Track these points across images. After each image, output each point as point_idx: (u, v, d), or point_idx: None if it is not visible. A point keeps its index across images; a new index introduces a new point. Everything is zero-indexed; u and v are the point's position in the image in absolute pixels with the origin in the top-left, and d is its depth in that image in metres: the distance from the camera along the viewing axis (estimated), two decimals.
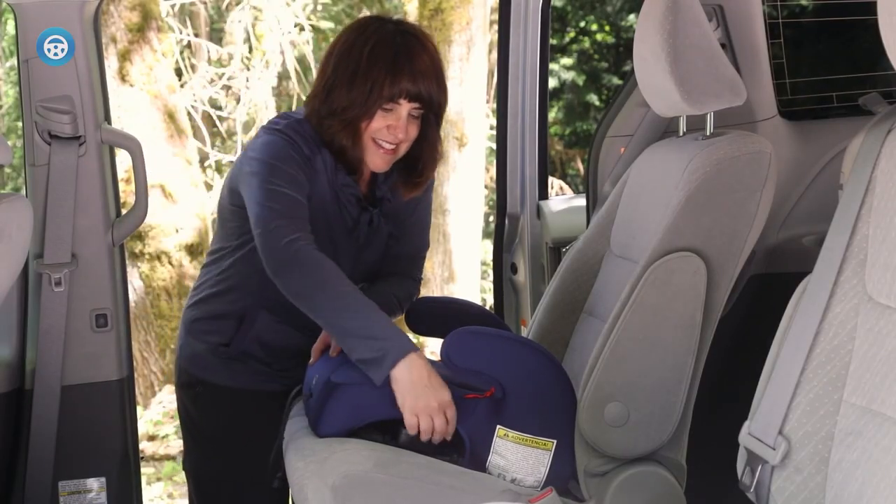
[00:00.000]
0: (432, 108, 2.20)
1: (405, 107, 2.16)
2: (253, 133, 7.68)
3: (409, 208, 2.41)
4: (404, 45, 2.15)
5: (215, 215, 2.56)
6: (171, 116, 6.37)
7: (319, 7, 8.33)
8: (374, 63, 2.13)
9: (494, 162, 3.40)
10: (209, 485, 2.53)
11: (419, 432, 1.99)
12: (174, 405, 6.58)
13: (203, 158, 7.28)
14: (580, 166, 8.76)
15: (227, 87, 7.71)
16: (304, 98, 2.66)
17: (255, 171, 2.21)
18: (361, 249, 2.36)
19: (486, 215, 7.78)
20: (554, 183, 7.74)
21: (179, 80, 7.15)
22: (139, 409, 4.87)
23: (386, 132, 2.18)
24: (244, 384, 2.42)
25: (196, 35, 7.89)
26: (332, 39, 2.45)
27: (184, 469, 2.62)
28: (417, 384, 1.98)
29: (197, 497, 2.57)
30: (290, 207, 2.16)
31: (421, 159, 2.28)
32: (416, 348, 2.02)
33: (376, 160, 2.22)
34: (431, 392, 1.98)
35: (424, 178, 2.32)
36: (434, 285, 6.83)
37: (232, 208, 2.34)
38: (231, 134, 7.84)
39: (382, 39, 2.15)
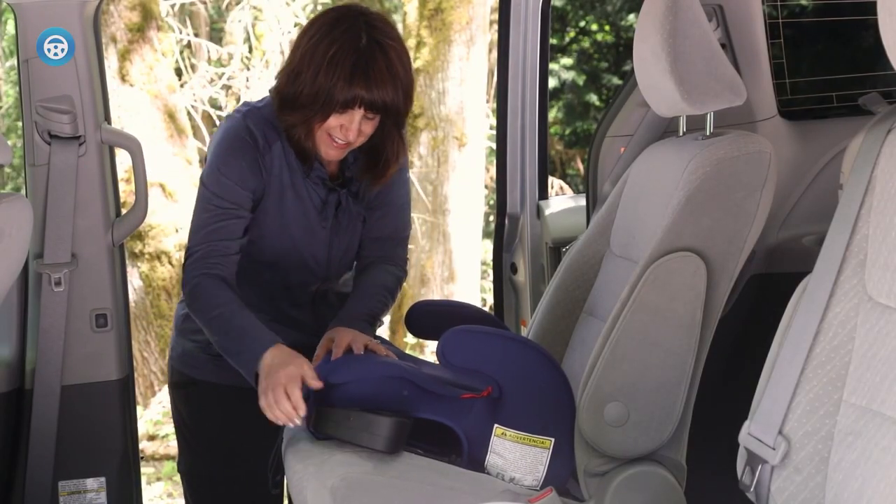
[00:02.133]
0: (388, 114, 2.21)
1: (358, 112, 2.18)
2: None
3: (385, 189, 2.41)
4: (366, 52, 2.16)
5: None
6: (171, 116, 6.36)
7: (319, 7, 8.33)
8: (333, 68, 2.15)
9: (494, 162, 3.40)
10: (204, 486, 2.53)
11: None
12: None
13: (203, 158, 7.26)
14: (580, 166, 8.76)
15: (227, 87, 7.70)
16: None
17: (202, 176, 2.31)
18: (334, 231, 2.37)
19: (486, 215, 7.78)
20: (554, 183, 7.73)
21: (179, 79, 7.14)
22: (139, 409, 4.87)
23: (338, 130, 2.20)
24: (234, 381, 2.39)
25: (196, 35, 7.89)
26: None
27: (178, 471, 2.61)
28: (269, 368, 2.06)
29: (192, 499, 2.56)
30: (213, 227, 2.25)
31: (381, 155, 2.31)
32: (276, 341, 2.12)
33: (329, 151, 2.25)
34: (280, 370, 2.04)
35: (387, 172, 2.34)
36: (434, 285, 6.83)
37: None
38: None
39: (346, 45, 2.16)
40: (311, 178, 2.31)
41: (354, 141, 2.22)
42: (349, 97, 2.15)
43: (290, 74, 2.22)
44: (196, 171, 6.54)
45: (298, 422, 2.02)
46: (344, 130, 2.19)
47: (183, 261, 2.32)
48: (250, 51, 7.75)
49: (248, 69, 7.66)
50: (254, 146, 2.27)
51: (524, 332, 2.79)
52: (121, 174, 2.90)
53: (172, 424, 2.63)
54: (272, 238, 2.33)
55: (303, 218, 2.32)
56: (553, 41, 8.38)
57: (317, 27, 2.22)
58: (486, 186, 7.50)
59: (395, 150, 2.30)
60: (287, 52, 2.41)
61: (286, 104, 2.22)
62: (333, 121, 2.18)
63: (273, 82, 2.30)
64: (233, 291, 2.24)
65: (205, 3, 8.05)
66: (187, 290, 2.26)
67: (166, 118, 6.33)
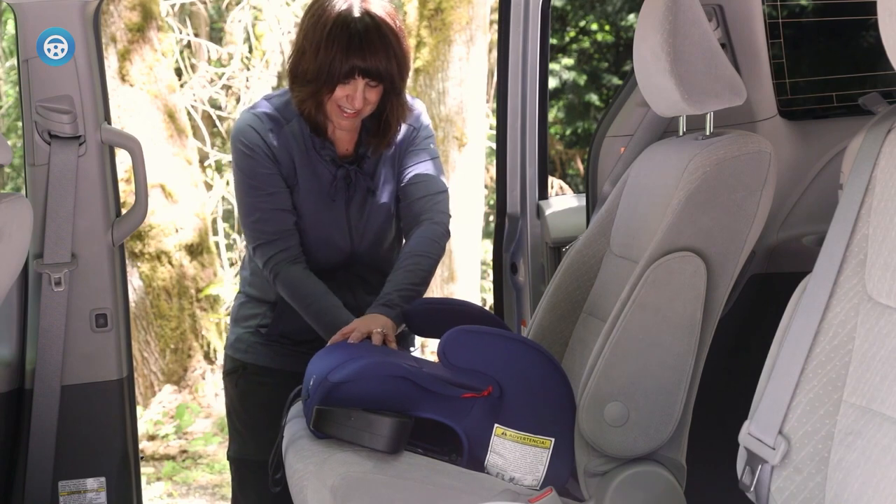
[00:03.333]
0: (386, 81, 2.43)
1: (360, 81, 2.40)
2: None
3: (409, 156, 2.62)
4: (359, 26, 2.39)
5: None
6: (171, 116, 6.36)
7: None
8: (331, 42, 2.38)
9: (494, 162, 3.40)
10: (248, 471, 2.63)
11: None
12: (174, 405, 6.58)
13: (203, 158, 7.27)
14: (580, 166, 8.76)
15: (227, 87, 7.70)
16: None
17: (236, 181, 2.59)
18: (347, 206, 2.57)
19: (486, 215, 7.78)
20: (554, 183, 7.73)
21: (179, 79, 7.14)
22: (139, 409, 4.88)
23: (346, 101, 2.43)
24: (284, 366, 2.60)
25: (196, 35, 7.89)
26: None
27: (227, 458, 2.75)
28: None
29: (238, 485, 2.64)
30: (265, 220, 2.52)
31: (383, 118, 2.53)
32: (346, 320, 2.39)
33: (342, 122, 2.48)
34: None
35: (389, 134, 2.55)
36: (434, 285, 6.82)
37: None
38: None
39: (341, 21, 2.39)
40: (322, 156, 2.52)
41: (362, 108, 2.44)
42: (348, 68, 2.38)
43: (297, 53, 2.46)
44: (196, 172, 6.54)
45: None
46: (350, 100, 2.42)
47: (251, 249, 2.57)
48: (250, 51, 7.75)
49: (248, 69, 7.66)
50: (265, 140, 2.51)
51: (524, 332, 2.79)
52: (121, 174, 2.91)
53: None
54: (293, 211, 2.55)
55: (317, 194, 2.54)
56: (553, 41, 8.38)
57: (316, 7, 2.44)
58: (486, 186, 7.49)
59: (395, 114, 2.52)
60: (287, 55, 2.68)
61: (296, 81, 2.46)
62: (339, 92, 2.41)
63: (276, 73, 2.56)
64: (312, 276, 2.51)
65: (205, 3, 8.05)
66: (273, 278, 2.52)
67: (166, 118, 6.32)
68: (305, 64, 2.42)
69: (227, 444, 2.78)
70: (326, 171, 2.54)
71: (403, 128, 2.61)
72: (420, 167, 2.63)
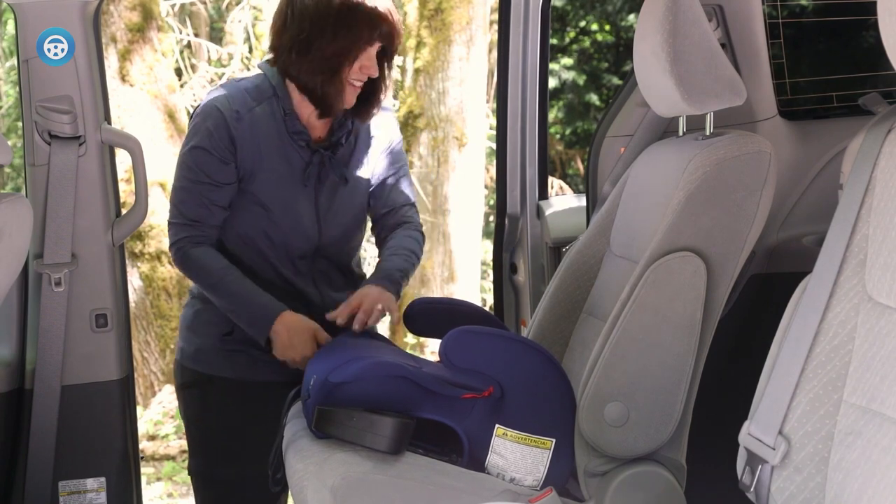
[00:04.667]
0: (394, 42, 2.43)
1: (375, 47, 2.39)
2: None
3: (391, 160, 2.60)
4: None
5: None
6: (171, 116, 6.36)
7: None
8: (351, 12, 2.35)
9: (494, 162, 3.40)
10: (217, 486, 2.53)
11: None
12: (174, 405, 6.56)
13: None
14: (580, 166, 8.76)
15: None
16: None
17: (182, 154, 2.49)
18: (317, 192, 2.49)
19: (486, 215, 7.77)
20: (554, 183, 7.73)
21: (179, 79, 7.14)
22: (139, 409, 4.87)
23: (359, 73, 2.40)
24: (249, 377, 2.48)
25: (196, 35, 7.89)
26: None
27: (189, 473, 2.64)
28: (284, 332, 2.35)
29: (202, 500, 2.57)
30: (190, 204, 2.44)
31: (379, 88, 2.49)
32: (284, 308, 2.37)
33: (349, 98, 2.44)
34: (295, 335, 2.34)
35: (371, 110, 2.52)
36: (434, 285, 6.82)
37: None
38: None
39: None
40: (294, 140, 2.45)
41: (374, 75, 2.41)
42: (374, 34, 2.36)
43: (300, 42, 2.38)
44: None
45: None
46: (365, 70, 2.40)
47: (168, 228, 2.49)
48: (250, 51, 7.75)
49: (248, 69, 7.66)
50: (230, 114, 2.42)
51: (524, 332, 2.79)
52: (121, 174, 2.91)
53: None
54: (260, 197, 2.45)
55: (288, 178, 2.45)
56: (553, 41, 8.39)
57: None
58: (486, 186, 7.49)
59: (384, 87, 2.50)
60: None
61: (311, 65, 2.38)
62: (356, 64, 2.38)
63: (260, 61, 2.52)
64: (223, 258, 2.44)
65: (205, 3, 8.05)
66: (176, 256, 2.46)
67: (166, 118, 6.32)
68: (320, 50, 2.36)
69: None
70: (299, 156, 2.46)
71: (382, 131, 2.58)
72: (403, 174, 2.62)
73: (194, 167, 2.43)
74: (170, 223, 2.48)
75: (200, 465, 2.57)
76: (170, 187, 2.54)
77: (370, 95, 2.48)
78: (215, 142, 2.42)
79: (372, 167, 2.58)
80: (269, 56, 2.50)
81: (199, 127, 2.44)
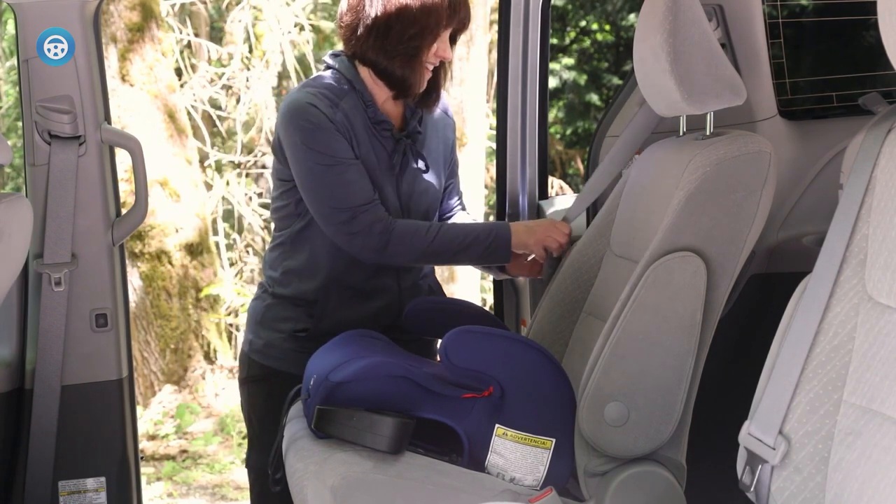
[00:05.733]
0: (465, 29, 2.50)
1: (447, 32, 2.44)
2: (254, 132, 7.68)
3: (455, 157, 2.70)
4: None
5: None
6: (171, 116, 6.36)
7: (319, 7, 8.33)
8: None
9: (494, 162, 3.40)
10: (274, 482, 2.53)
11: None
12: (174, 405, 6.56)
13: (203, 158, 7.27)
14: (580, 166, 8.76)
15: (227, 87, 7.70)
16: None
17: (306, 165, 2.40)
18: (399, 180, 2.51)
19: (486, 215, 7.77)
20: (554, 183, 7.73)
21: (179, 79, 7.14)
22: (139, 409, 4.87)
23: (434, 57, 2.44)
24: None
25: (196, 35, 7.89)
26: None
27: (246, 466, 2.66)
28: (529, 229, 2.50)
29: (257, 493, 2.58)
30: (356, 191, 2.39)
31: (437, 79, 2.53)
32: (506, 224, 2.51)
33: (422, 81, 2.47)
34: (539, 227, 2.51)
35: (440, 93, 2.57)
36: None
37: (283, 191, 2.52)
38: (231, 134, 7.84)
39: None
40: (378, 130, 2.46)
41: (449, 58, 2.46)
42: (453, 20, 2.42)
43: (377, 26, 2.39)
44: (196, 172, 6.54)
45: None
46: (440, 53, 2.44)
47: (342, 227, 2.40)
48: (250, 51, 7.74)
49: (248, 69, 7.66)
50: (325, 107, 2.40)
51: (524, 332, 2.79)
52: (121, 174, 2.91)
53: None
54: None
55: (375, 170, 2.45)
56: (553, 41, 8.38)
57: None
58: (486, 186, 7.50)
59: (445, 74, 2.55)
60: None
61: (382, 56, 2.41)
62: (433, 48, 2.41)
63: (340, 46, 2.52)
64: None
65: (205, 3, 8.05)
66: (381, 240, 2.39)
67: (166, 118, 6.33)
68: (399, 33, 2.38)
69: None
70: (382, 146, 2.47)
71: (444, 115, 2.65)
72: (457, 163, 2.73)
73: (329, 154, 2.39)
74: (352, 219, 2.38)
75: (259, 460, 2.55)
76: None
77: (435, 82, 2.52)
78: (329, 130, 2.39)
79: (443, 154, 2.63)
80: (338, 49, 2.53)
81: (304, 127, 2.39)
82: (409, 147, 2.51)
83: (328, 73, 2.50)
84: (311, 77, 2.54)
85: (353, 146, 2.42)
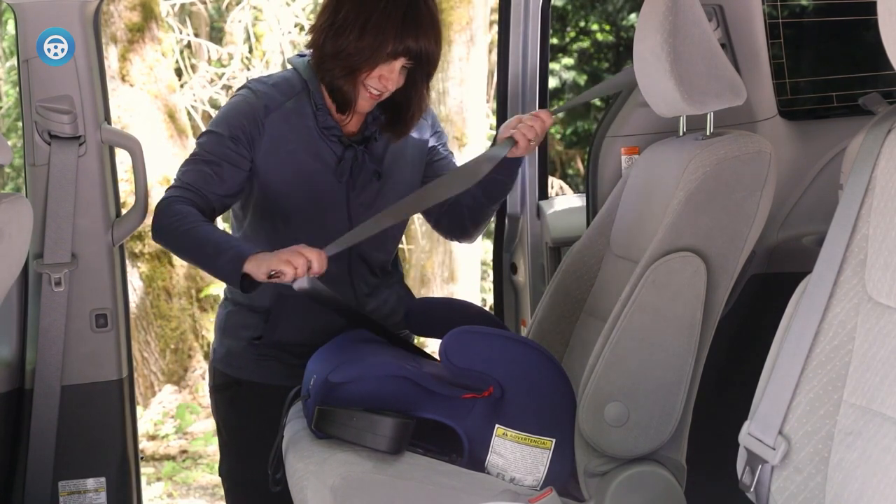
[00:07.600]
0: (425, 65, 2.33)
1: (400, 62, 2.29)
2: None
3: (445, 160, 2.55)
4: (413, 3, 2.28)
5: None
6: (171, 116, 6.37)
7: (319, 7, 8.32)
8: (385, 18, 2.26)
9: None
10: (246, 489, 2.52)
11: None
12: (174, 405, 6.56)
13: None
14: (580, 166, 8.76)
15: (227, 87, 7.70)
16: None
17: (206, 130, 2.42)
18: (350, 187, 2.42)
19: None
20: (554, 183, 7.73)
21: (179, 79, 7.14)
22: (139, 409, 4.87)
23: (377, 81, 2.31)
24: (279, 381, 2.41)
25: (196, 35, 7.89)
26: None
27: (219, 475, 2.63)
28: (263, 255, 2.17)
29: (231, 502, 2.56)
30: (189, 175, 2.34)
31: (410, 108, 2.40)
32: (253, 249, 2.19)
33: (362, 103, 2.35)
34: (276, 253, 2.16)
35: (409, 126, 2.44)
36: (434, 285, 6.82)
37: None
38: None
39: None
40: (326, 135, 2.39)
41: (391, 90, 2.32)
42: (399, 48, 2.26)
43: (331, 30, 2.30)
44: None
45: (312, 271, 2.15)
46: (383, 81, 2.30)
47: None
48: (250, 51, 7.74)
49: (248, 69, 7.66)
50: (259, 107, 2.35)
51: (524, 332, 2.79)
52: (121, 174, 2.91)
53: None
54: (282, 194, 2.39)
55: (317, 174, 2.39)
56: (553, 41, 8.38)
57: None
58: None
59: (420, 103, 2.40)
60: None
61: (332, 54, 2.30)
62: (375, 72, 2.29)
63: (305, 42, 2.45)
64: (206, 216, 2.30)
65: (205, 3, 8.05)
66: (158, 206, 2.30)
67: (166, 118, 6.33)
68: (345, 43, 2.28)
69: None
70: (331, 151, 2.39)
71: (417, 130, 2.51)
72: (452, 163, 2.57)
73: (204, 149, 2.37)
74: (167, 190, 2.37)
75: (230, 468, 2.55)
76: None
77: (398, 114, 2.40)
78: (235, 132, 2.35)
79: (412, 163, 2.51)
80: (304, 51, 2.47)
81: (220, 114, 2.40)
82: (361, 153, 2.41)
83: (285, 71, 2.46)
84: (271, 74, 2.51)
85: (271, 155, 2.36)
